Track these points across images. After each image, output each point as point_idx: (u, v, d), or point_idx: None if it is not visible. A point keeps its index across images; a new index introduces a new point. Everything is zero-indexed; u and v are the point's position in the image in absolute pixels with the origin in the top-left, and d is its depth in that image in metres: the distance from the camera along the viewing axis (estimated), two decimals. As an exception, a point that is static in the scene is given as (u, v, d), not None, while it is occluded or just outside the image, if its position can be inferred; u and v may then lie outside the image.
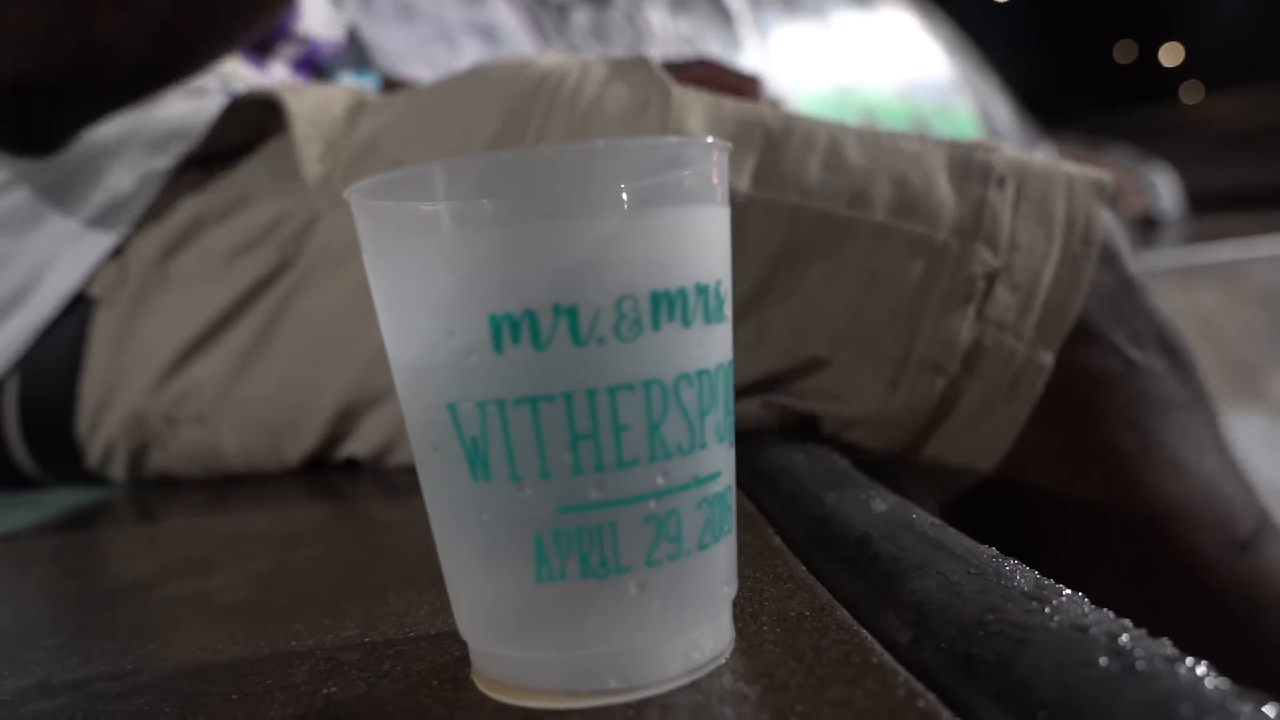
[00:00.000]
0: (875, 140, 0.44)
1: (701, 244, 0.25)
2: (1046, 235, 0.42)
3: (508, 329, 0.23)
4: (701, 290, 0.25)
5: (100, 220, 0.47)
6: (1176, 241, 5.94)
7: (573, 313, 0.23)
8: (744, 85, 0.61)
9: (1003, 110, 5.80)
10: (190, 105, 0.48)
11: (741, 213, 0.40)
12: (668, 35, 3.45)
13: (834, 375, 0.42)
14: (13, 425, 0.51)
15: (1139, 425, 0.45)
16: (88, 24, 0.41)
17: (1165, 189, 7.90)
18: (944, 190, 0.42)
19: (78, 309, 0.48)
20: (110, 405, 0.48)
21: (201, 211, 0.48)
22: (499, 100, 0.43)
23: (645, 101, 0.43)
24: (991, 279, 0.41)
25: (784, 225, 0.41)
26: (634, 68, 0.44)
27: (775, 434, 0.47)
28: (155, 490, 0.54)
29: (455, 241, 0.23)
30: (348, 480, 0.53)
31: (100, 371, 0.48)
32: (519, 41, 2.68)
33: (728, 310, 0.27)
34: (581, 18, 3.19)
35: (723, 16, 3.83)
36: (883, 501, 0.37)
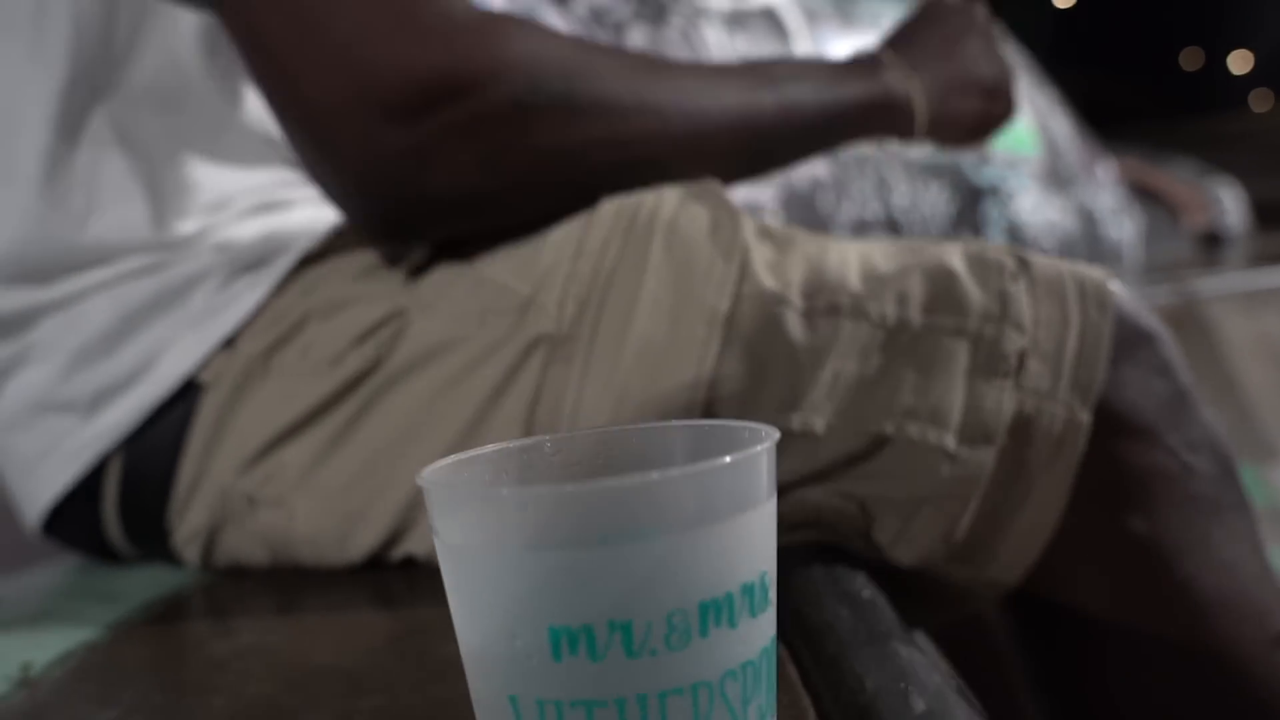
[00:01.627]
0: (898, 249, 0.47)
1: (749, 546, 0.27)
2: (1063, 309, 0.47)
3: (566, 641, 0.25)
4: (747, 590, 0.26)
5: (218, 311, 0.51)
6: (1243, 260, 5.82)
7: (626, 628, 0.25)
8: None
9: (1062, 124, 5.71)
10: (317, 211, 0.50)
11: (801, 318, 0.43)
12: (724, 53, 3.45)
13: (896, 452, 0.45)
14: (111, 501, 0.54)
15: (1192, 523, 0.49)
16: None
17: (1230, 204, 7.72)
18: (966, 283, 0.45)
19: (187, 394, 0.51)
20: (201, 485, 0.53)
21: (309, 310, 0.51)
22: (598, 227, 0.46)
23: (716, 222, 0.46)
24: (1022, 356, 0.45)
25: (836, 327, 0.44)
26: (706, 193, 0.48)
27: (820, 559, 0.48)
28: (226, 582, 0.57)
29: (522, 560, 0.25)
30: (405, 586, 0.56)
31: (197, 453, 0.52)
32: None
33: (772, 594, 0.29)
34: (638, 36, 3.21)
35: (780, 33, 3.83)
36: (921, 698, 0.39)
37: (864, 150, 4.06)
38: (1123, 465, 0.49)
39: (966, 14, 0.64)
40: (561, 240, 0.46)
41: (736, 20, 3.69)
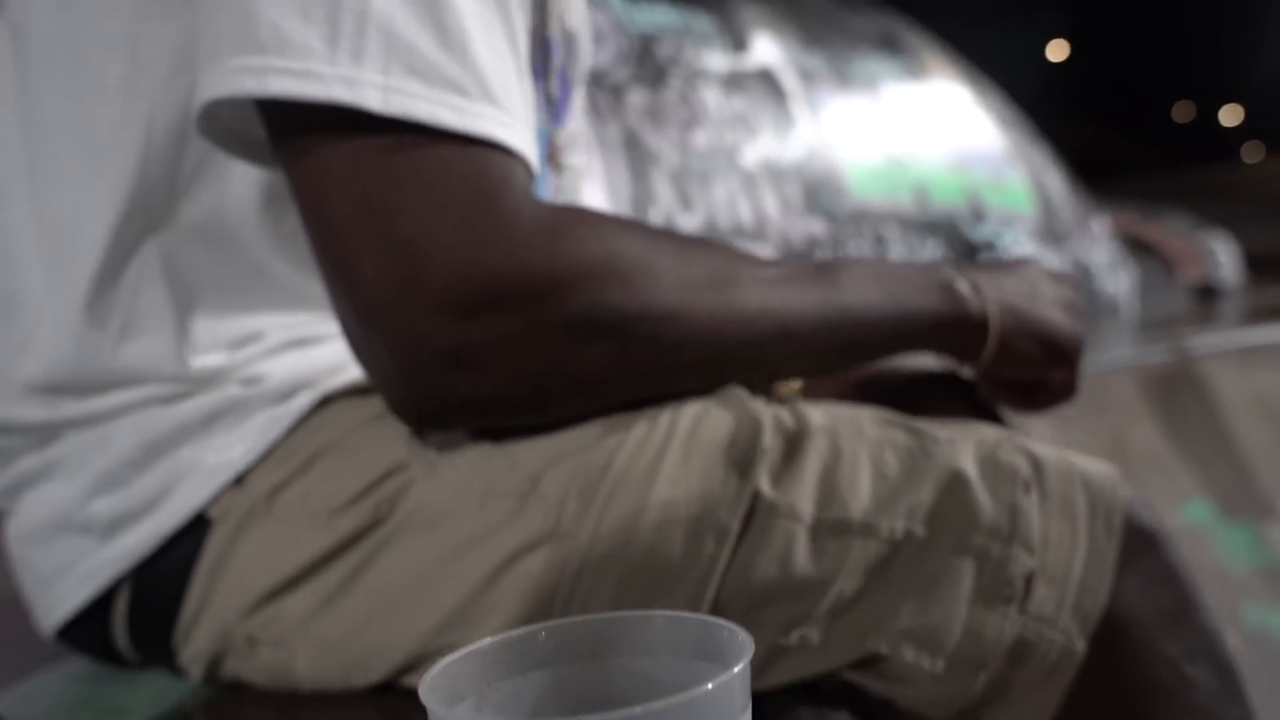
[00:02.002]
0: (909, 447, 0.47)
1: None
2: (1072, 530, 0.46)
3: None
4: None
5: (233, 446, 0.52)
6: (1237, 315, 5.85)
7: None
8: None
9: (1056, 181, 5.77)
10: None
11: (809, 535, 0.44)
12: (722, 115, 3.51)
13: (890, 666, 0.45)
14: (120, 617, 0.55)
15: None
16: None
17: (1224, 256, 7.77)
18: (979, 492, 0.45)
19: (197, 527, 0.52)
20: (203, 618, 0.53)
21: (318, 450, 0.52)
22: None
23: (736, 429, 0.46)
24: (1029, 579, 0.44)
25: (844, 545, 0.45)
26: (730, 396, 0.47)
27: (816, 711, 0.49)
28: (229, 699, 0.57)
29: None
30: (413, 706, 0.56)
31: (201, 588, 0.52)
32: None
33: None
34: (636, 98, 3.27)
35: (776, 94, 3.89)
36: None
37: (865, 204, 4.10)
38: (1119, 677, 0.47)
39: (1055, 277, 0.62)
40: (579, 437, 0.45)
41: (734, 82, 3.75)
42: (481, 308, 0.40)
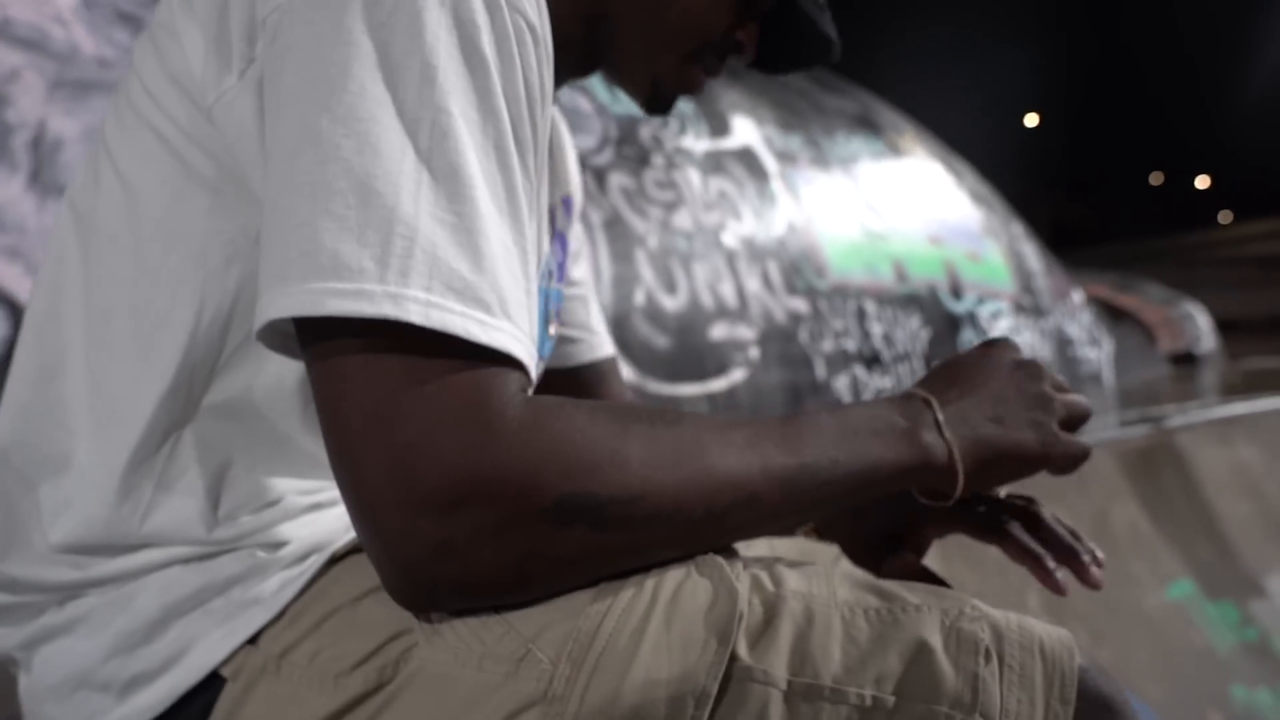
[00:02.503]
0: (879, 614, 0.48)
1: None
2: (1030, 700, 0.47)
3: None
4: None
5: (249, 607, 0.54)
6: (1215, 379, 5.92)
7: None
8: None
9: (1033, 254, 5.87)
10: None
11: (784, 700, 0.45)
12: (706, 195, 3.57)
13: None
14: None
15: None
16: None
17: (1200, 323, 7.90)
18: (943, 662, 0.46)
19: (211, 683, 0.53)
20: None
21: (326, 612, 0.53)
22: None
23: (715, 597, 0.48)
24: None
25: (817, 710, 0.46)
26: (710, 565, 0.49)
27: None
28: None
29: None
30: None
31: None
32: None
33: None
34: (619, 180, 3.32)
35: (757, 174, 3.96)
36: None
37: (846, 280, 4.16)
38: None
39: (1026, 371, 0.61)
40: (569, 603, 0.47)
41: (714, 162, 3.83)
42: (466, 504, 0.43)
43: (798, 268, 3.82)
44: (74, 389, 0.56)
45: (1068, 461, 0.61)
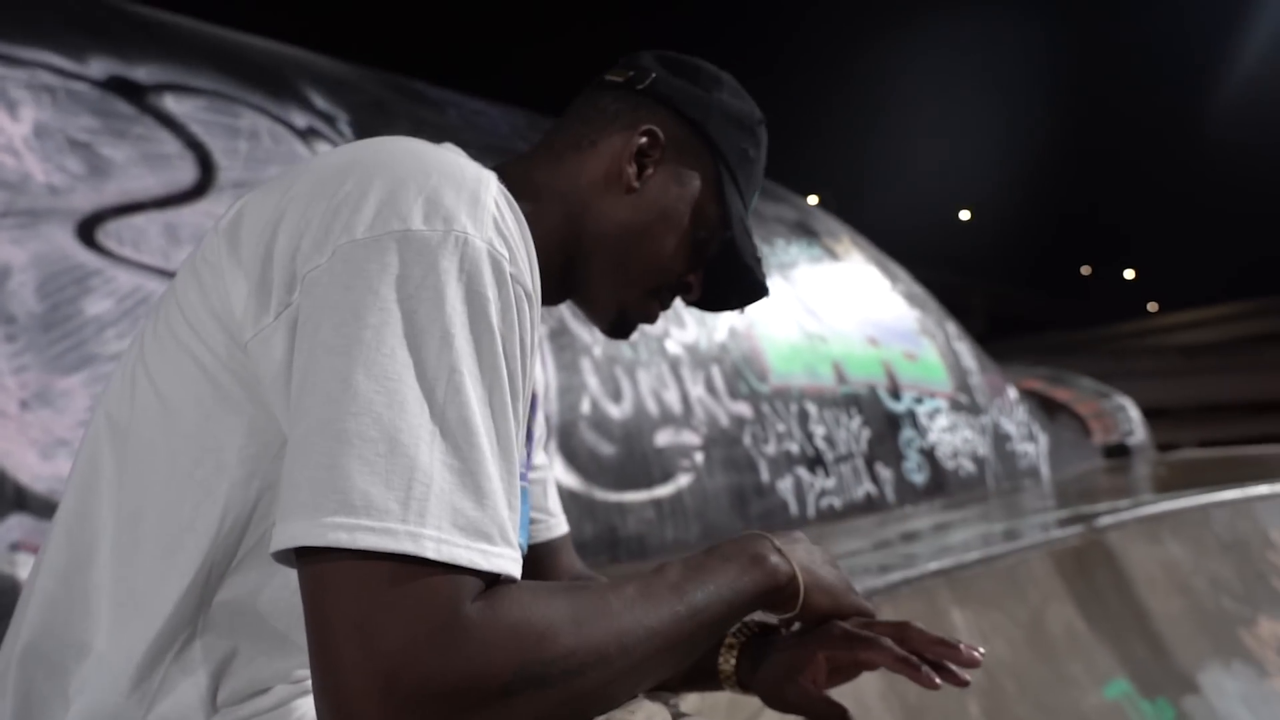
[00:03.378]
0: None
1: None
2: None
3: None
4: None
5: None
6: (1146, 470, 6.09)
7: None
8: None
9: (966, 350, 6.07)
10: None
11: None
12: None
13: None
14: None
15: None
16: None
17: (1133, 415, 8.15)
18: None
19: None
20: None
21: None
22: None
23: None
24: None
25: None
26: None
27: None
28: None
29: None
30: None
31: None
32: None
33: None
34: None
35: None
36: None
37: (787, 383, 4.26)
38: None
39: (816, 545, 0.76)
40: None
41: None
42: (442, 699, 0.49)
43: (740, 372, 3.91)
44: (99, 581, 0.61)
45: (864, 612, 0.75)
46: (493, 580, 0.53)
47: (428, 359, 0.53)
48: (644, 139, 0.78)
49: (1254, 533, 3.70)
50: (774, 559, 0.69)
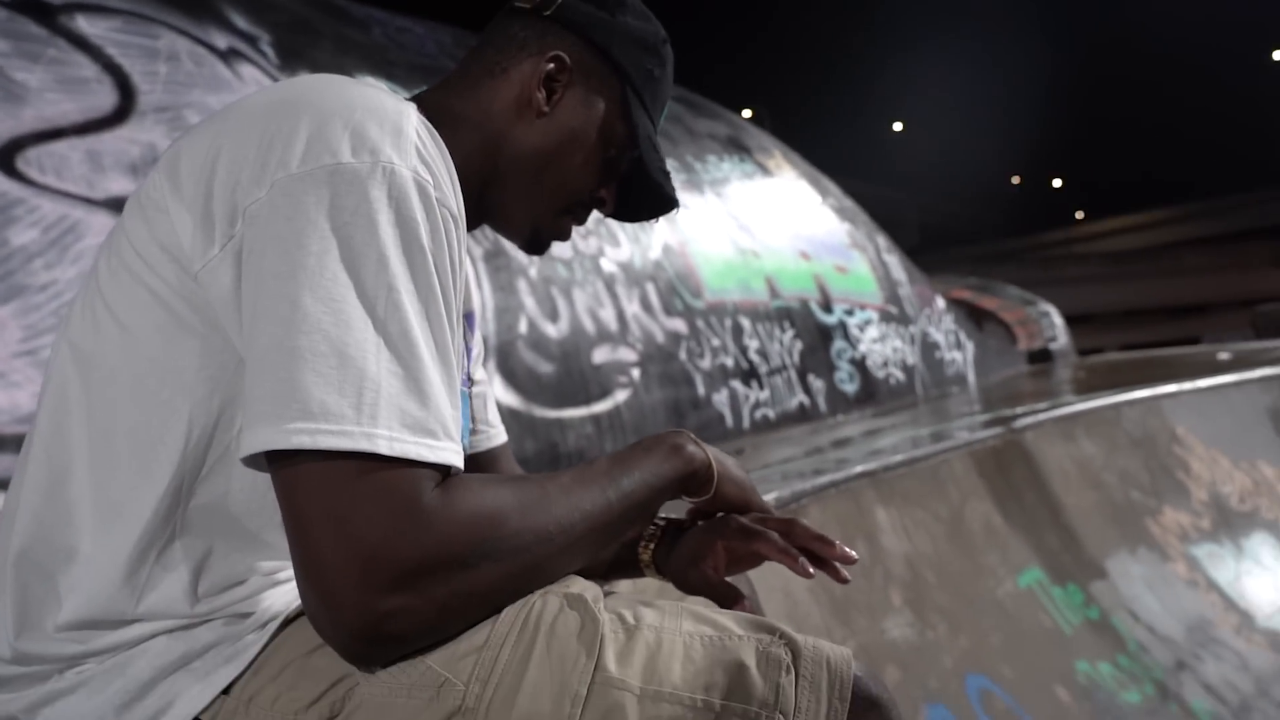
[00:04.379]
0: (711, 640, 0.62)
1: None
2: (816, 698, 0.63)
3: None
4: None
5: (222, 666, 0.65)
6: (1067, 373, 6.34)
7: None
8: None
9: (896, 262, 6.20)
10: None
11: (637, 701, 0.58)
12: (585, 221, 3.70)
13: None
14: None
15: None
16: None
17: (1057, 321, 8.41)
18: (754, 676, 0.61)
19: None
20: None
21: (285, 662, 0.65)
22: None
23: (582, 625, 0.63)
24: None
25: (661, 709, 0.59)
26: (578, 601, 0.64)
27: None
28: None
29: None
30: None
31: None
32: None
33: None
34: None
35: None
36: None
37: (721, 298, 4.34)
38: None
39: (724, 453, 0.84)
40: (474, 635, 0.62)
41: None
42: (410, 576, 0.57)
43: (675, 289, 3.97)
44: (80, 494, 0.67)
45: (764, 509, 0.85)
46: (443, 471, 0.60)
47: (366, 280, 0.59)
48: (551, 65, 0.82)
49: (1162, 429, 3.90)
50: (690, 448, 0.78)
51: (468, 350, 0.90)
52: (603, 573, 0.89)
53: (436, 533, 0.58)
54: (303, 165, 0.60)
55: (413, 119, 0.65)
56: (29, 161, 2.19)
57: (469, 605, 0.62)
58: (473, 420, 0.92)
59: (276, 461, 0.58)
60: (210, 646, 0.67)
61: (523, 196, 0.82)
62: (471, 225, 0.83)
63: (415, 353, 0.59)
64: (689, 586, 0.86)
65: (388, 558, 0.56)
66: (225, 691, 0.65)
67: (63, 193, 2.20)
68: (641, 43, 0.86)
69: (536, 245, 0.86)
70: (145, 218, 0.67)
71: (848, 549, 0.81)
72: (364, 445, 0.56)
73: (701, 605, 0.70)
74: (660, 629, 0.65)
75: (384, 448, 0.56)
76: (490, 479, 0.64)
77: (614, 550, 0.89)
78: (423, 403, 0.59)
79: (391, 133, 0.63)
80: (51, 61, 2.39)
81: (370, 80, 0.74)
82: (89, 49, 2.51)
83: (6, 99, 2.24)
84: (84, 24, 2.57)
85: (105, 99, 2.44)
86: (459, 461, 0.61)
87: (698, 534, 0.86)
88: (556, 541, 0.65)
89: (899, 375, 5.27)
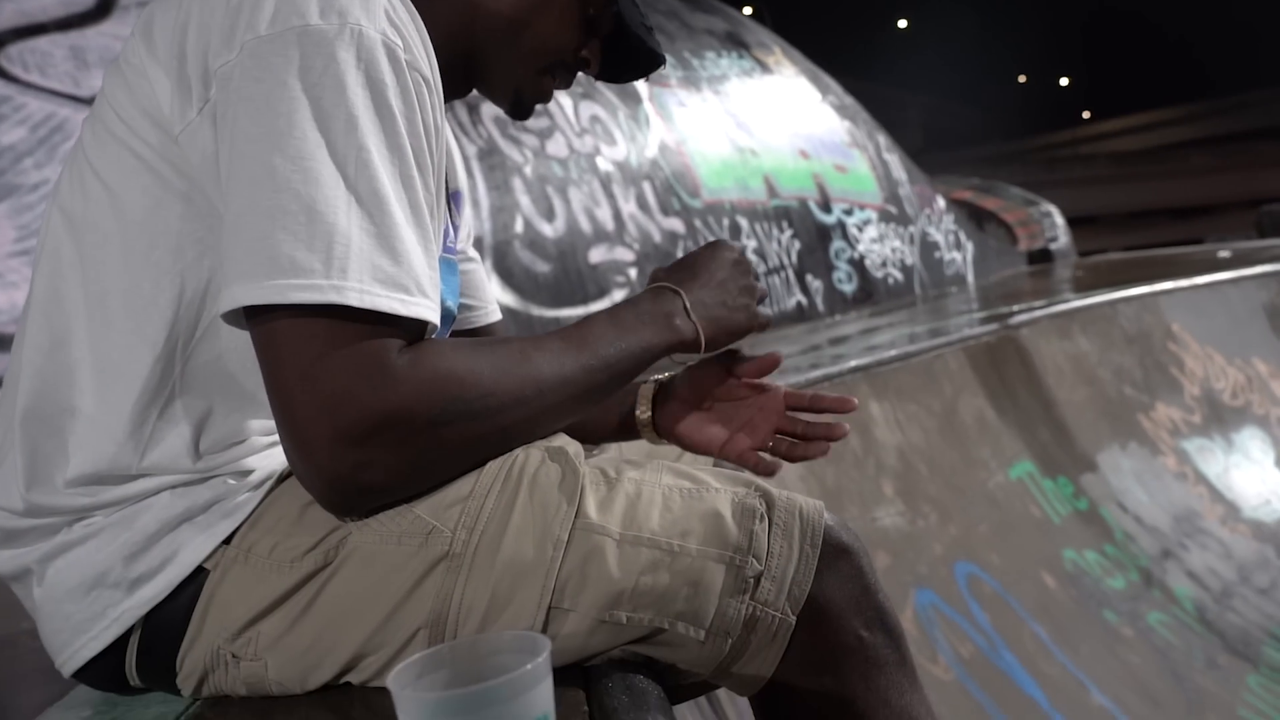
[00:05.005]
0: (689, 492, 0.64)
1: (534, 704, 0.46)
2: (789, 545, 0.65)
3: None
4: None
5: (222, 519, 0.69)
6: (1067, 273, 6.33)
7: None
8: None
9: (897, 161, 6.12)
10: None
11: (616, 545, 0.61)
12: (579, 121, 3.65)
13: (669, 637, 0.62)
14: (132, 654, 0.71)
15: (868, 679, 0.70)
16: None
17: (1058, 222, 8.36)
18: (729, 524, 0.63)
19: (196, 576, 0.69)
20: (198, 643, 0.69)
21: (280, 517, 0.68)
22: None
23: (563, 475, 0.66)
24: (759, 578, 0.62)
25: (640, 553, 0.61)
26: (559, 453, 0.67)
27: (620, 668, 0.65)
28: (214, 711, 0.70)
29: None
30: (348, 701, 0.70)
31: (197, 621, 0.69)
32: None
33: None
34: (492, 109, 3.37)
35: (629, 98, 4.04)
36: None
37: (719, 198, 4.31)
38: (819, 640, 0.68)
39: (740, 265, 0.83)
40: (460, 486, 0.65)
41: (586, 87, 3.89)
42: (379, 428, 0.59)
43: (672, 188, 3.94)
44: (80, 355, 0.69)
45: (761, 328, 0.84)
46: (417, 328, 0.61)
47: (336, 140, 0.59)
48: None
49: (1157, 325, 3.92)
50: (680, 321, 0.79)
51: (455, 226, 0.91)
52: (599, 439, 0.92)
53: (404, 387, 0.59)
54: (271, 27, 0.60)
55: None
56: (12, 59, 2.15)
57: (442, 461, 0.64)
58: (467, 295, 0.93)
59: (254, 319, 0.60)
60: (212, 503, 0.70)
61: (502, 61, 0.82)
62: (461, 93, 0.83)
63: (386, 210, 0.60)
64: (682, 438, 0.89)
65: (355, 409, 0.58)
66: (226, 542, 0.68)
67: (48, 90, 2.17)
68: None
69: (519, 109, 0.85)
70: (125, 82, 0.67)
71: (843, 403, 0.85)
72: (333, 298, 0.57)
73: (684, 465, 0.72)
74: (640, 481, 0.68)
75: (354, 300, 0.58)
76: (465, 342, 0.66)
77: (614, 413, 0.91)
78: (395, 259, 0.60)
79: None
80: (29, -47, 2.33)
81: None
82: (68, -60, 2.44)
83: (-15, -6, 2.19)
84: (61, -86, 2.49)
85: (87, -7, 2.39)
86: (434, 318, 0.62)
87: (685, 382, 0.89)
88: (532, 405, 0.67)
89: (897, 275, 5.26)
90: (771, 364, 0.88)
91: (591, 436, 0.89)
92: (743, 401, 0.90)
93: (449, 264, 0.81)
